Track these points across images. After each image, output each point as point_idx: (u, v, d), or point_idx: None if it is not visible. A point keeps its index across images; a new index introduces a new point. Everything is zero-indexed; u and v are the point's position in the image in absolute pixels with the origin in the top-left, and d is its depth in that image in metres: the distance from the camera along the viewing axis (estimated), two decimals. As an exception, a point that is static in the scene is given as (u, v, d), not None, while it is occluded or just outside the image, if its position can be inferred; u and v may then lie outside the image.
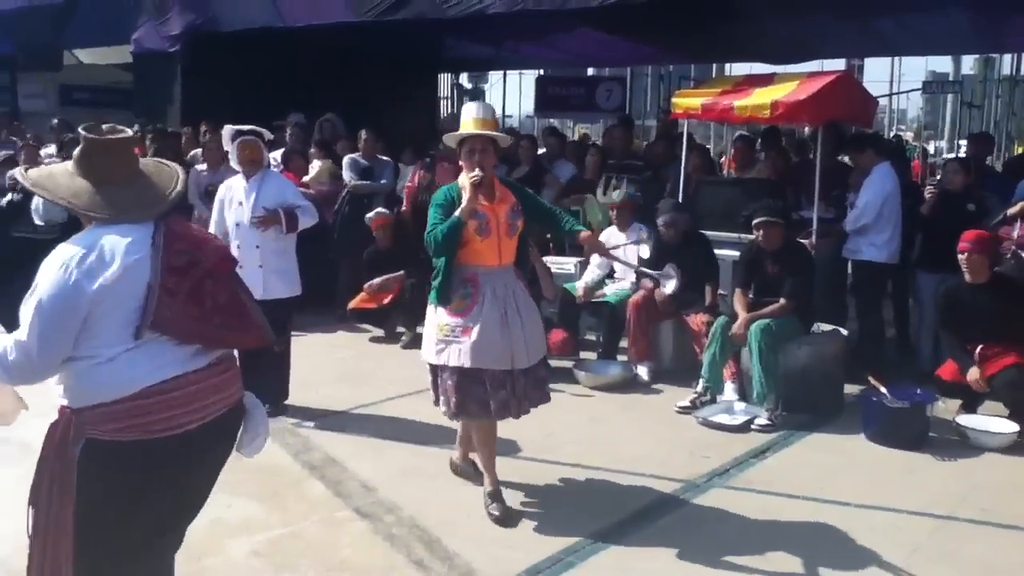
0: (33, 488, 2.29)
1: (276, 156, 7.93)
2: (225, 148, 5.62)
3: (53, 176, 2.42)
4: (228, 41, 9.49)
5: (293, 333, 5.65)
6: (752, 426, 5.17)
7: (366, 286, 7.32)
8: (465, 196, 3.84)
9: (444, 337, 3.85)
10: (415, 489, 4.27)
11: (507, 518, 3.89)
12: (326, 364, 6.48)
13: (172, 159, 7.75)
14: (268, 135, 5.53)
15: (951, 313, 5.37)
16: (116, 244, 2.28)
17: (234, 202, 5.28)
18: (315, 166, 8.44)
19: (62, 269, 2.23)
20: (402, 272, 7.22)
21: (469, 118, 3.90)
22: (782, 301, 5.45)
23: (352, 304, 7.37)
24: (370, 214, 7.47)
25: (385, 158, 8.41)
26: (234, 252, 4.81)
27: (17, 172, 2.52)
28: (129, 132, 2.50)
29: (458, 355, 3.81)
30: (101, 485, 2.27)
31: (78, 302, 2.22)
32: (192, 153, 8.63)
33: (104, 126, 2.44)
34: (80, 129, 2.43)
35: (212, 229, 5.22)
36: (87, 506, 2.25)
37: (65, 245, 2.31)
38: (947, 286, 5.47)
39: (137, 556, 2.40)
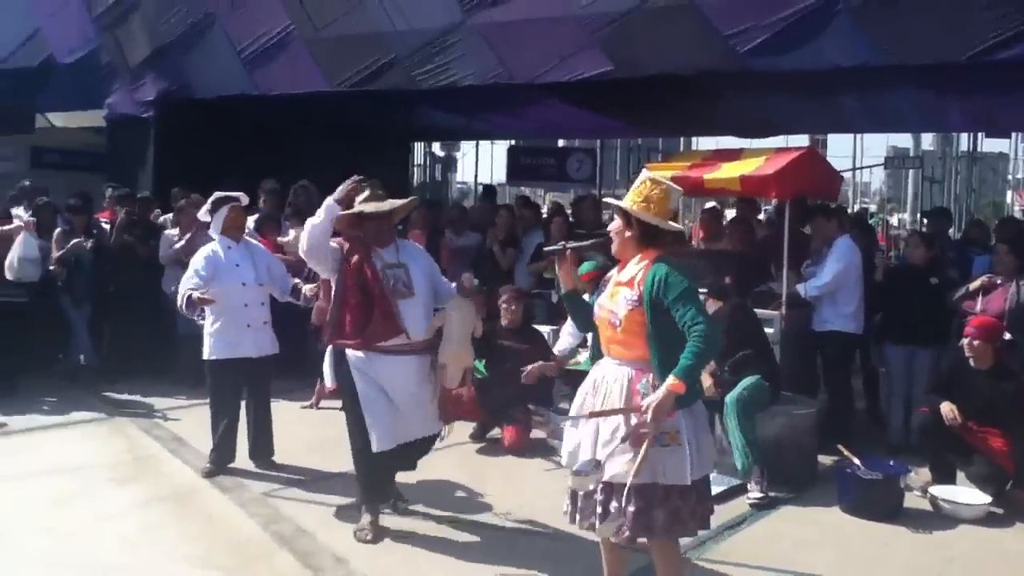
0: None
1: (249, 222, 7.90)
2: (204, 213, 5.62)
3: None
4: (202, 106, 9.55)
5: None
6: (748, 501, 5.16)
7: None
8: None
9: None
10: (388, 560, 4.18)
11: None
12: (298, 431, 6.37)
13: (142, 224, 7.86)
14: (246, 200, 5.68)
15: (949, 383, 5.45)
16: None
17: (228, 264, 5.38)
18: (291, 233, 8.42)
19: None
20: None
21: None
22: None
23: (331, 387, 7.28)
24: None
25: None
26: (240, 310, 5.33)
27: None
28: None
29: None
30: None
31: None
32: (163, 218, 8.60)
33: None
34: None
35: (187, 285, 5.28)
36: None
37: None
38: (953, 357, 5.56)
39: None
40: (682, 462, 3.25)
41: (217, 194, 5.53)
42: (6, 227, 7.56)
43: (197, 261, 5.41)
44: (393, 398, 4.40)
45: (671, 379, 3.17)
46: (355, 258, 4.42)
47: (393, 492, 4.73)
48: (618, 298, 3.41)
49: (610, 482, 3.30)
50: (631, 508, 3.26)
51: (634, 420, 3.25)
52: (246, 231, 5.82)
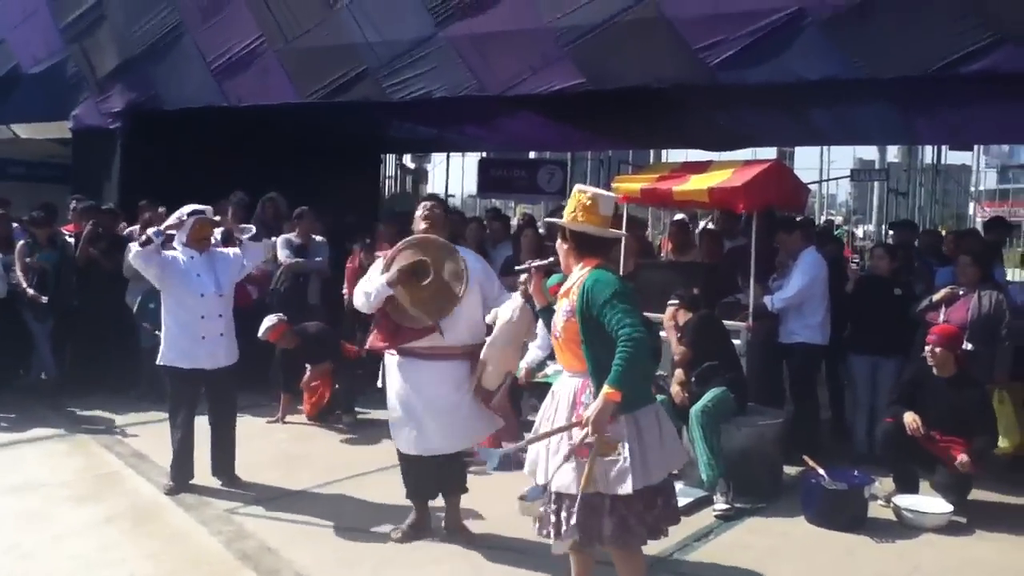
0: None
1: (216, 234, 7.83)
2: (170, 225, 5.44)
3: None
4: (170, 119, 9.47)
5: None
6: (713, 513, 5.17)
7: (304, 386, 7.27)
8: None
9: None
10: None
11: None
12: (262, 447, 6.32)
13: (107, 237, 7.68)
14: (212, 213, 5.62)
15: (911, 391, 5.49)
16: None
17: (189, 275, 5.29)
18: (259, 247, 8.37)
19: None
20: (326, 364, 7.11)
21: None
22: (681, 349, 5.71)
23: (309, 412, 7.27)
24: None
25: (319, 238, 8.41)
26: (196, 322, 5.24)
27: None
28: None
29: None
30: None
31: None
32: (128, 230, 8.51)
33: None
34: None
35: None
36: None
37: None
38: (916, 366, 5.62)
39: None
40: (624, 472, 3.26)
41: (183, 209, 5.45)
42: None
43: (161, 268, 5.30)
44: (423, 407, 4.42)
45: (605, 388, 3.19)
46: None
47: (432, 493, 4.73)
48: (559, 310, 3.48)
49: (559, 493, 3.33)
50: (576, 518, 3.28)
51: (577, 432, 3.27)
52: (212, 242, 5.72)
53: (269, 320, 6.86)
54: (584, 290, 3.34)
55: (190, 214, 5.42)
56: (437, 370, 4.41)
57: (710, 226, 9.74)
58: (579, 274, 3.45)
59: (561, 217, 3.60)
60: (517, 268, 3.99)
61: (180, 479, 5.34)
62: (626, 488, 3.26)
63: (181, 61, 9.30)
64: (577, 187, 3.62)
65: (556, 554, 3.45)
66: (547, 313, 3.73)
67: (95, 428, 6.83)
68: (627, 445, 3.27)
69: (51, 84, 10.18)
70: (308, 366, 7.26)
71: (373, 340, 4.55)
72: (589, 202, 3.47)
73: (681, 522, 4.81)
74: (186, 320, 5.28)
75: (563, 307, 3.45)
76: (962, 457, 5.14)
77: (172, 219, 5.48)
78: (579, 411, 3.33)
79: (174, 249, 5.33)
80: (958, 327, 5.83)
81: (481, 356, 4.37)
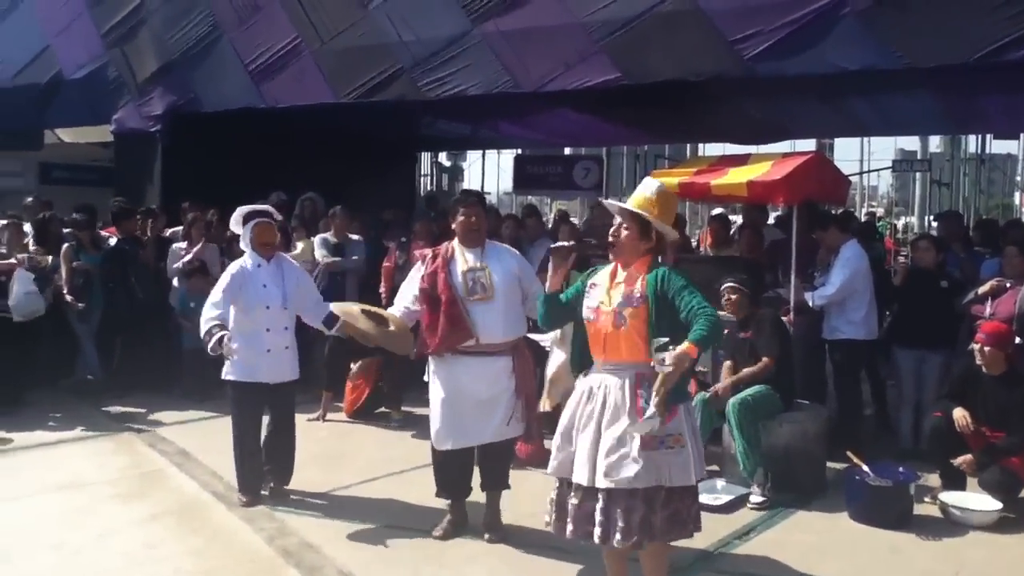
0: None
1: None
2: (234, 230, 5.35)
3: None
4: (209, 120, 9.59)
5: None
6: (748, 505, 5.14)
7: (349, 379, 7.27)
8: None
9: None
10: (395, 574, 4.16)
11: None
12: (303, 444, 6.30)
13: (144, 235, 7.48)
14: (278, 215, 5.44)
15: (962, 389, 5.38)
16: None
17: (255, 284, 5.10)
18: (299, 246, 8.45)
19: None
20: (375, 358, 7.10)
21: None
22: (765, 360, 5.51)
23: (349, 410, 7.28)
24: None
25: (356, 236, 8.43)
26: (262, 336, 5.06)
27: None
28: None
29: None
30: None
31: None
32: (171, 231, 8.63)
33: None
34: None
35: (210, 313, 5.01)
36: None
37: None
38: (966, 364, 5.51)
39: None
40: (687, 463, 3.31)
41: (245, 208, 5.25)
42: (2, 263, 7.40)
43: (223, 280, 5.13)
44: (460, 401, 4.51)
45: (686, 344, 3.18)
46: (430, 270, 4.56)
47: (468, 490, 4.76)
48: (621, 298, 3.42)
49: (611, 490, 3.30)
50: (637, 514, 3.27)
51: (640, 426, 3.24)
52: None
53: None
54: (659, 277, 3.38)
55: (249, 215, 5.20)
56: (478, 365, 4.48)
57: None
58: (639, 270, 3.45)
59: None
60: (555, 247, 3.83)
61: (250, 489, 5.18)
62: (689, 479, 3.33)
63: (219, 64, 9.43)
64: (660, 187, 3.56)
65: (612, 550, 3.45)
66: (553, 299, 3.68)
67: (140, 427, 6.93)
68: (688, 437, 3.33)
69: (93, 89, 10.37)
70: (352, 365, 7.27)
71: (422, 348, 4.61)
72: (671, 202, 3.58)
73: (724, 518, 4.85)
74: (251, 331, 5.05)
75: (620, 295, 3.41)
76: (965, 458, 5.08)
77: (234, 218, 5.25)
78: (639, 404, 3.30)
79: (208, 274, 5.15)
80: (1005, 320, 5.70)
81: (549, 375, 4.32)
